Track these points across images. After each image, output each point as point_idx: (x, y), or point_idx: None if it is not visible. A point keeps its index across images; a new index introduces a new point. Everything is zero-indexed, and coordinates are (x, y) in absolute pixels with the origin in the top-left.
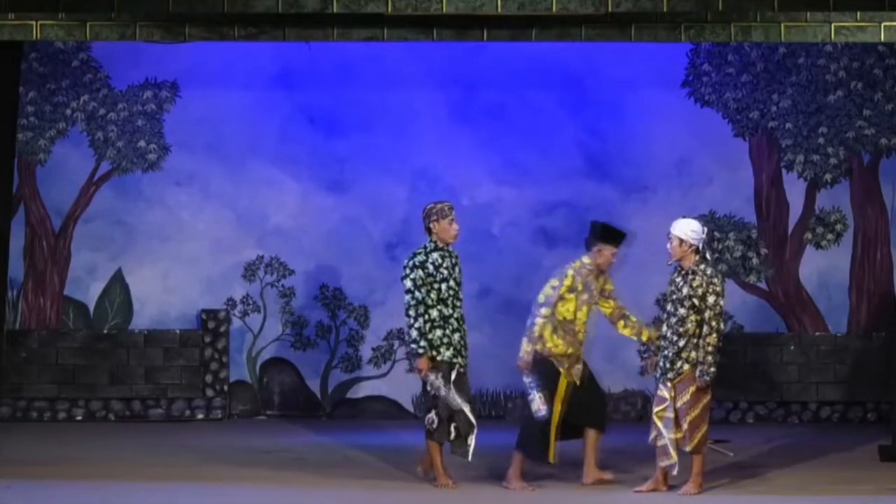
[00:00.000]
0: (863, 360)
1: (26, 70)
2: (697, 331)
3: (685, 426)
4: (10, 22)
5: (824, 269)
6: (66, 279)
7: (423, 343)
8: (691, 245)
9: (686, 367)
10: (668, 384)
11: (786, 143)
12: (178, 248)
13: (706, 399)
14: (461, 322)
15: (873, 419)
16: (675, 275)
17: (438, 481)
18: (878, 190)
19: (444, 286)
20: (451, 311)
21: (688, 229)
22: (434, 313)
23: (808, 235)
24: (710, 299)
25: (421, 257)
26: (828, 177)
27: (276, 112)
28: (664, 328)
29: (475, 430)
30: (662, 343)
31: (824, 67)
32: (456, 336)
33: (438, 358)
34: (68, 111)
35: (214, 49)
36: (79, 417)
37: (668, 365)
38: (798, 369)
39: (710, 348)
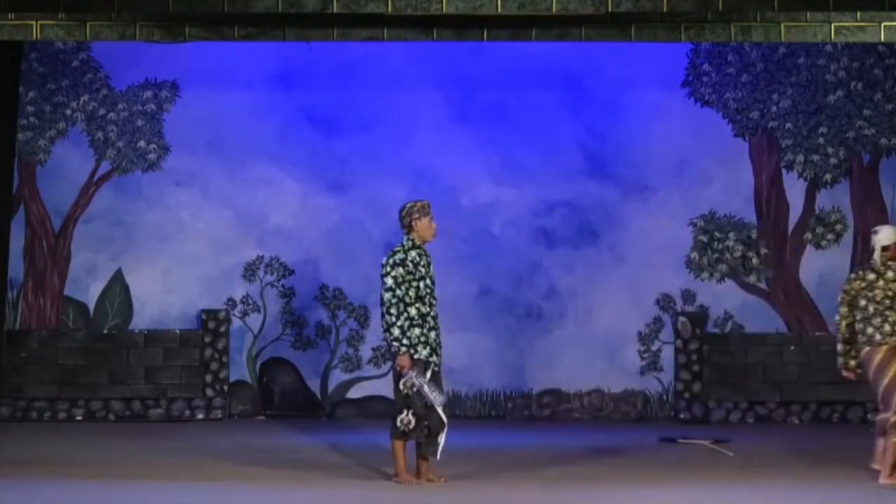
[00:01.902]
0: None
1: (26, 70)
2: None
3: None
4: (10, 22)
5: (824, 269)
6: (66, 279)
7: (404, 341)
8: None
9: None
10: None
11: (786, 143)
12: (178, 248)
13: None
14: (436, 320)
15: (873, 419)
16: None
17: (400, 478)
18: (878, 190)
19: (421, 284)
20: (427, 308)
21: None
22: (412, 311)
23: (808, 235)
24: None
25: (400, 255)
26: (828, 177)
27: (276, 112)
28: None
29: (445, 429)
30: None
31: (824, 67)
32: (432, 334)
33: (415, 356)
34: (68, 111)
35: (214, 49)
36: (79, 417)
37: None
38: (798, 369)
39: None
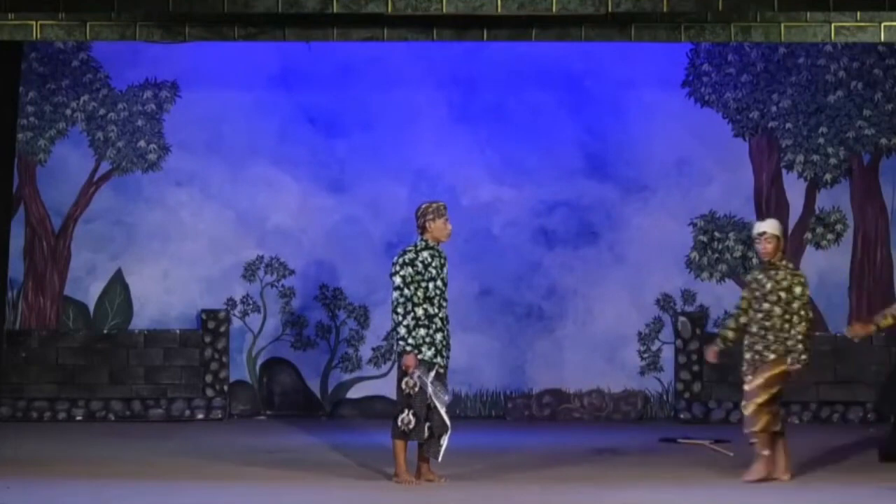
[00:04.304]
0: (863, 360)
1: (26, 70)
2: (782, 323)
3: (751, 408)
4: (10, 22)
5: (824, 269)
6: (66, 279)
7: (410, 341)
8: (781, 241)
9: (771, 357)
10: (749, 376)
11: (786, 143)
12: (178, 248)
13: (777, 388)
14: (445, 322)
15: (873, 419)
16: (758, 273)
17: (400, 478)
18: (878, 190)
19: (431, 285)
20: (436, 310)
21: (779, 227)
22: (420, 311)
23: (808, 235)
24: (797, 290)
25: (411, 255)
26: (828, 177)
27: (276, 112)
28: (749, 322)
29: (448, 431)
30: (748, 339)
31: (824, 67)
32: (438, 336)
33: (419, 357)
34: (68, 111)
35: (214, 49)
36: (79, 417)
37: (757, 358)
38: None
39: (800, 336)
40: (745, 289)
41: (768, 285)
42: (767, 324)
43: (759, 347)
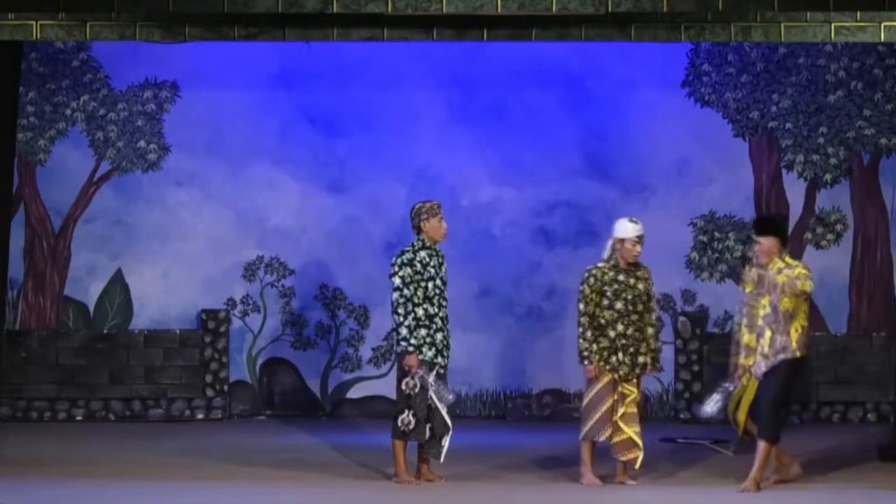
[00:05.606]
0: (863, 360)
1: (26, 70)
2: (653, 327)
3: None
4: (10, 22)
5: (824, 269)
6: (66, 279)
7: (412, 341)
8: None
9: (648, 362)
10: (634, 380)
11: (786, 143)
12: (178, 248)
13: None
14: (445, 322)
15: (873, 419)
16: (616, 273)
17: (399, 479)
18: (878, 190)
19: (430, 284)
20: (436, 309)
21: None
22: (420, 311)
23: (808, 235)
24: (653, 289)
25: (409, 255)
26: (828, 177)
27: (276, 112)
28: (619, 328)
29: (450, 432)
30: (622, 342)
31: (824, 67)
32: (439, 336)
33: (420, 357)
34: (68, 111)
35: (214, 49)
36: (79, 417)
37: (633, 362)
38: None
39: (658, 335)
40: (593, 292)
41: (640, 286)
42: (641, 324)
43: (632, 351)
